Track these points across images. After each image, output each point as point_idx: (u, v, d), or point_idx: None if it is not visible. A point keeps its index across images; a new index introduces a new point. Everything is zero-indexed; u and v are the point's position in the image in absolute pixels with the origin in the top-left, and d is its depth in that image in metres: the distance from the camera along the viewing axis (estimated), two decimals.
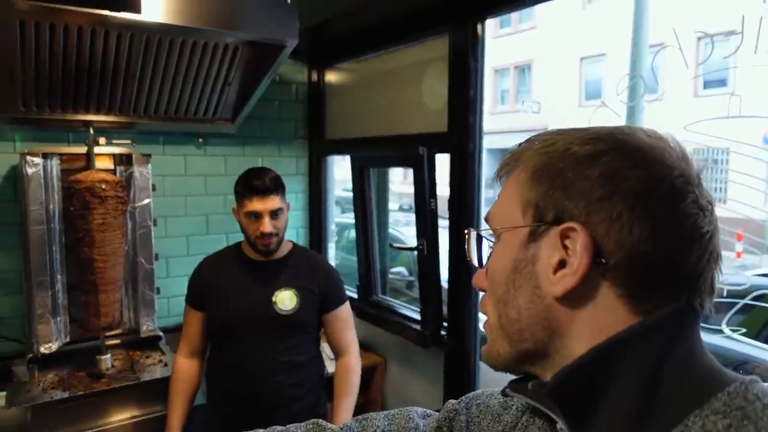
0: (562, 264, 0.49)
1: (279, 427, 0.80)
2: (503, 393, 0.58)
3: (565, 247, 0.49)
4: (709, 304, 0.50)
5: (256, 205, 1.67)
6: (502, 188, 0.58)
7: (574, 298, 0.49)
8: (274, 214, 1.69)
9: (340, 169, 3.78)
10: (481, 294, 0.59)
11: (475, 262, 0.59)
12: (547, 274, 0.50)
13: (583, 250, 0.47)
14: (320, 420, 0.81)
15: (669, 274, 0.48)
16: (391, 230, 4.46)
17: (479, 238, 0.58)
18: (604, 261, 0.48)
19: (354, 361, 1.85)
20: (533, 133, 0.58)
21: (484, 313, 0.58)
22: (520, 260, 0.52)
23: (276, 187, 1.71)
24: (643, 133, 0.52)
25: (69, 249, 2.08)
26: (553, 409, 0.51)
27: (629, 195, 0.47)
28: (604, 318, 0.48)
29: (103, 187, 1.94)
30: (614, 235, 0.47)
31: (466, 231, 0.61)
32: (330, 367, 2.04)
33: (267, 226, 1.67)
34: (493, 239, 0.57)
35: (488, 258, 0.57)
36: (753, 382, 0.45)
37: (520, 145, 0.57)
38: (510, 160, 0.57)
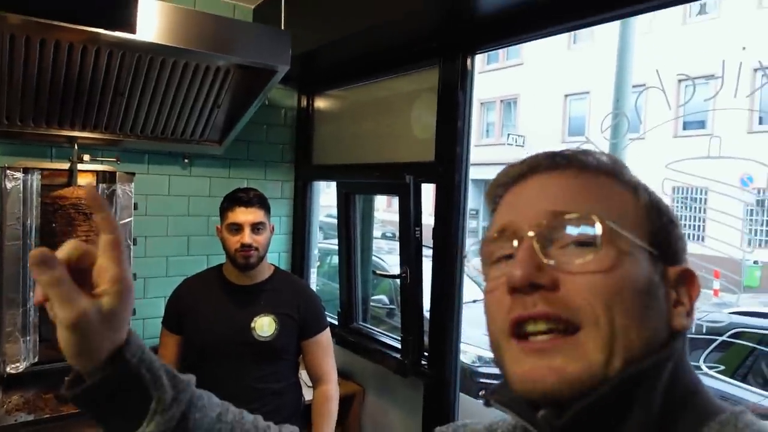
0: (676, 303, 0.51)
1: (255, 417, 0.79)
2: (485, 403, 0.56)
3: (677, 287, 0.51)
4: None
5: (238, 215, 1.68)
6: (582, 182, 0.52)
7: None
8: (256, 228, 1.69)
9: (324, 195, 3.78)
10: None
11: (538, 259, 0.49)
12: (669, 306, 0.51)
13: (696, 294, 0.52)
14: None
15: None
16: (374, 258, 4.45)
17: (607, 229, 0.48)
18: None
19: (332, 390, 1.82)
20: None
21: (574, 318, 0.47)
22: (653, 283, 0.49)
23: (259, 201, 1.73)
24: None
25: None
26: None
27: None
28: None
29: (97, 201, 1.91)
30: None
31: (531, 233, 0.50)
32: (308, 394, 2.00)
33: (247, 237, 1.67)
34: (594, 231, 0.48)
35: (590, 256, 0.48)
36: (742, 413, 0.47)
37: (579, 149, 0.56)
38: (582, 160, 0.54)
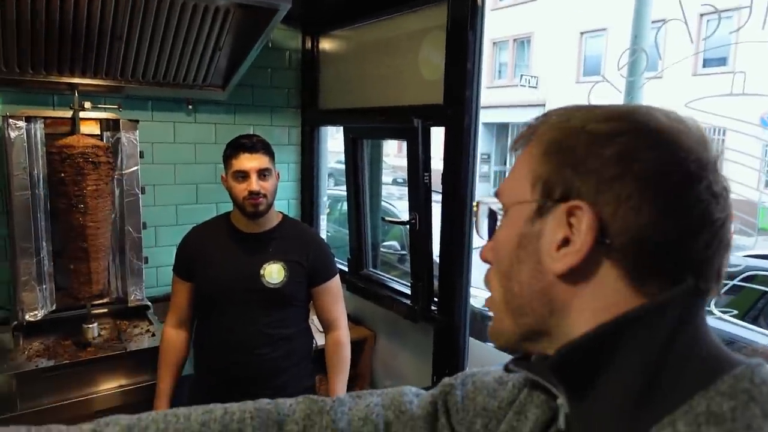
0: (565, 242, 0.49)
1: (267, 399, 0.79)
2: (505, 368, 0.59)
3: (570, 225, 0.49)
4: (715, 290, 0.49)
5: (244, 162, 1.65)
6: (515, 162, 0.57)
7: (576, 277, 0.49)
8: (262, 174, 1.67)
9: (334, 141, 3.72)
10: (484, 268, 0.59)
11: (484, 236, 0.59)
12: (550, 250, 0.50)
13: (587, 229, 0.47)
14: (310, 395, 0.80)
15: (674, 258, 0.47)
16: (384, 204, 4.43)
17: (491, 213, 0.59)
18: (608, 242, 0.47)
19: (343, 336, 1.84)
20: (530, 108, 0.55)
21: (489, 288, 0.57)
22: (525, 235, 0.52)
23: (264, 147, 1.70)
24: (663, 114, 0.50)
25: (54, 216, 2.03)
26: (553, 382, 0.52)
27: (641, 177, 0.47)
28: (606, 298, 0.48)
29: (97, 153, 1.93)
30: (621, 217, 0.47)
31: (476, 204, 0.61)
32: (319, 339, 2.03)
33: (254, 184, 1.64)
34: (501, 213, 0.57)
35: (496, 232, 0.57)
36: (759, 365, 0.45)
37: (537, 118, 0.56)
38: (525, 134, 0.56)
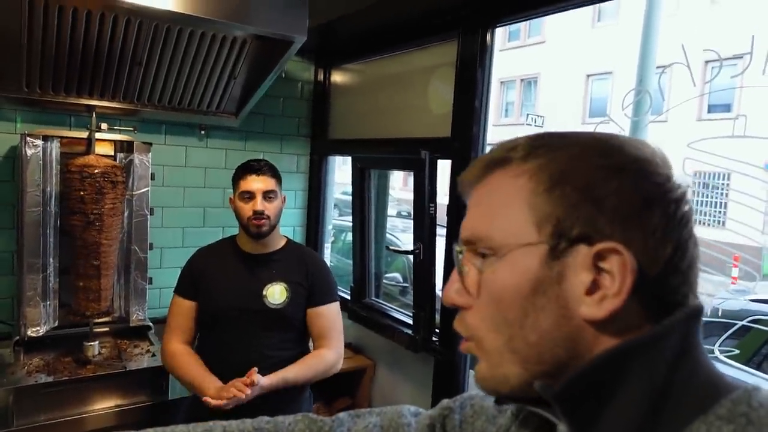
0: (594, 285, 0.46)
1: (266, 418, 0.79)
2: (497, 402, 0.57)
3: (597, 267, 0.46)
4: (702, 307, 0.50)
5: (250, 183, 1.70)
6: (481, 195, 0.53)
7: (607, 320, 0.47)
8: (267, 195, 1.71)
9: (340, 172, 3.77)
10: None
11: (457, 281, 0.53)
12: (579, 295, 0.47)
13: (627, 272, 0.45)
14: (310, 413, 0.80)
15: (681, 284, 0.48)
16: (388, 235, 4.45)
17: (480, 254, 0.51)
18: (646, 282, 0.46)
19: (330, 353, 1.76)
20: None
21: (467, 334, 0.53)
22: (542, 280, 0.48)
23: (270, 170, 1.75)
24: (635, 142, 0.51)
25: (67, 233, 2.06)
26: (554, 412, 0.51)
27: (662, 211, 0.47)
28: (627, 333, 0.47)
29: (116, 172, 2.00)
30: (649, 254, 0.46)
31: (456, 249, 0.54)
32: None
33: (259, 204, 1.68)
34: (486, 253, 0.51)
35: (479, 274, 0.51)
36: (756, 389, 0.45)
37: (498, 147, 0.53)
38: (491, 164, 0.52)
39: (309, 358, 1.76)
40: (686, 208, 0.48)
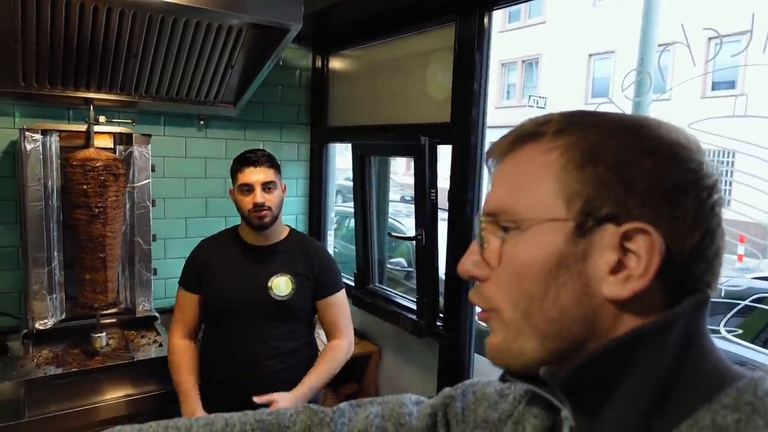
0: (619, 264, 0.46)
1: (268, 409, 0.80)
2: (502, 378, 0.57)
3: (624, 248, 0.46)
4: (709, 297, 0.50)
5: (248, 176, 1.69)
6: (511, 169, 0.52)
7: (629, 300, 0.47)
8: (267, 186, 1.70)
9: (343, 158, 3.76)
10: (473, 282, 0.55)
11: (476, 253, 0.54)
12: (602, 274, 0.47)
13: (654, 253, 0.45)
14: (311, 405, 0.80)
15: (706, 272, 0.48)
16: (391, 221, 4.45)
17: (503, 227, 0.51)
18: (673, 265, 0.46)
19: (344, 344, 1.82)
20: None
21: (484, 305, 0.53)
22: (566, 256, 0.47)
23: (268, 160, 1.73)
24: (668, 128, 0.50)
25: (72, 227, 2.08)
26: (558, 396, 0.51)
27: (694, 197, 0.46)
28: (646, 316, 0.47)
29: (117, 165, 2.01)
30: (678, 238, 0.46)
31: (481, 216, 0.54)
32: None
33: (259, 196, 1.68)
34: (510, 226, 0.51)
35: (501, 246, 0.51)
36: (762, 379, 0.45)
37: (529, 121, 0.53)
38: (520, 138, 0.52)
39: (326, 357, 1.78)
40: (717, 197, 0.48)
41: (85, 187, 1.95)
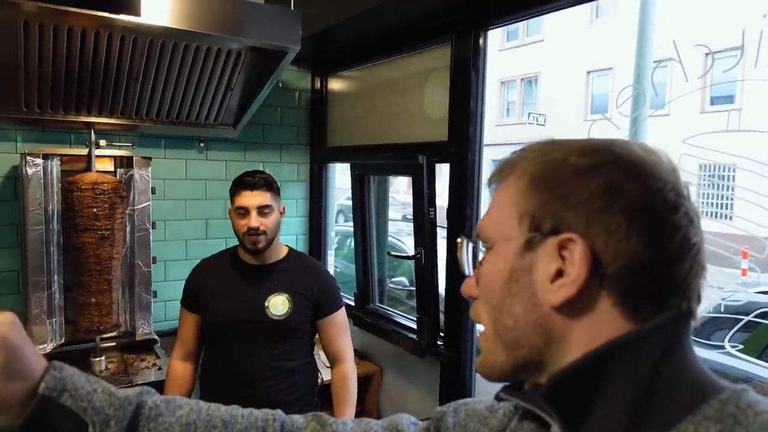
0: (559, 274, 0.50)
1: (279, 411, 0.82)
2: (496, 397, 0.59)
3: (563, 257, 0.50)
4: (696, 312, 0.51)
5: (244, 199, 1.69)
6: (494, 197, 0.58)
7: (571, 307, 0.50)
8: (262, 210, 1.70)
9: (344, 178, 3.76)
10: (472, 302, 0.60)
11: (467, 271, 0.60)
12: (544, 283, 0.50)
13: (582, 261, 0.48)
14: (321, 413, 0.82)
15: (662, 284, 0.49)
16: (393, 240, 4.44)
17: (474, 248, 0.59)
18: (602, 272, 0.48)
19: (350, 369, 1.83)
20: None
21: (478, 321, 0.58)
22: (515, 269, 0.52)
23: (265, 184, 1.73)
24: (637, 146, 0.53)
25: (67, 250, 2.08)
26: (547, 411, 0.52)
27: (627, 208, 0.48)
28: (600, 326, 0.49)
29: (123, 188, 2.06)
30: (612, 247, 0.48)
31: (459, 239, 0.61)
32: (325, 374, 2.02)
33: (253, 220, 1.68)
34: (486, 247, 0.57)
35: (480, 266, 0.57)
36: (744, 391, 0.46)
37: (514, 153, 0.58)
38: (504, 168, 0.57)
39: (344, 391, 1.80)
40: (669, 207, 0.49)
41: (95, 210, 1.97)
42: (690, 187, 0.52)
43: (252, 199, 1.69)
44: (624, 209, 0.48)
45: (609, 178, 0.49)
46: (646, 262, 0.48)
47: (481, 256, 0.58)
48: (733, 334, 3.12)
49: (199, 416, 0.74)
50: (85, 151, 2.11)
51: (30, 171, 1.99)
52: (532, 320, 0.51)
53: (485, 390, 2.01)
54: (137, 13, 1.66)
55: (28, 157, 1.99)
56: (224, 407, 0.78)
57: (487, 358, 0.56)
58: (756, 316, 3.10)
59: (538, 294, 0.51)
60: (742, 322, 3.10)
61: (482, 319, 0.57)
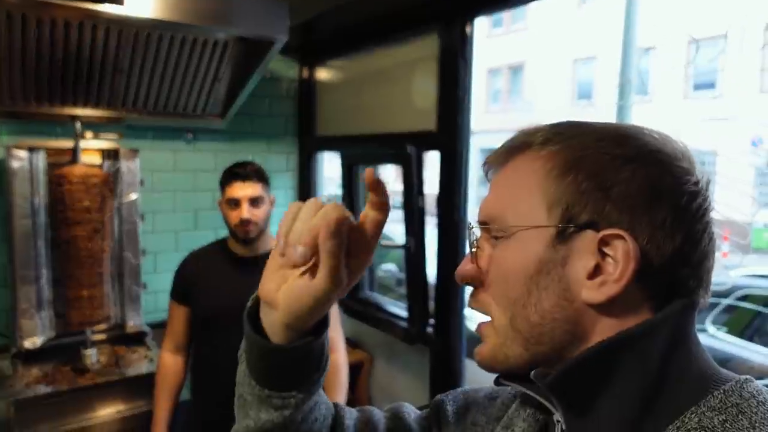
0: (596, 269, 0.47)
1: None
2: (496, 382, 0.58)
3: (603, 253, 0.47)
4: (705, 301, 0.51)
5: (235, 191, 1.69)
6: (500, 177, 0.55)
7: (608, 305, 0.48)
8: (254, 201, 1.71)
9: (334, 167, 3.76)
10: (468, 289, 0.57)
11: (471, 260, 0.55)
12: (581, 279, 0.48)
13: (630, 259, 0.46)
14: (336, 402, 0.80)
15: (690, 278, 0.48)
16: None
17: (494, 235, 0.53)
18: (648, 270, 0.47)
19: (341, 358, 1.85)
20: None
21: (482, 311, 0.55)
22: (547, 261, 0.49)
23: (256, 175, 1.73)
24: (654, 136, 0.51)
25: (55, 244, 2.06)
26: (550, 399, 0.52)
27: (673, 204, 0.47)
28: (628, 321, 0.48)
29: (112, 180, 2.07)
30: (656, 243, 0.47)
31: (470, 226, 0.56)
32: None
33: (245, 212, 1.68)
34: (498, 234, 0.53)
35: (490, 252, 0.53)
36: (748, 381, 0.47)
37: (518, 135, 0.54)
38: (512, 148, 0.54)
39: (335, 379, 1.80)
40: (702, 202, 0.48)
41: (87, 203, 1.96)
42: (708, 178, 0.51)
43: (243, 190, 1.69)
44: (670, 205, 0.47)
45: (650, 171, 0.47)
46: (686, 258, 0.47)
47: (488, 241, 0.54)
48: (715, 316, 3.20)
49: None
50: (71, 144, 2.09)
51: (15, 164, 1.97)
52: (561, 317, 0.49)
53: (476, 376, 2.04)
54: (120, 2, 1.64)
55: (13, 150, 1.96)
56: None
57: (496, 350, 0.53)
58: (736, 299, 3.18)
59: (573, 289, 0.48)
60: (723, 305, 3.17)
61: (491, 309, 0.53)
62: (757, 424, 0.43)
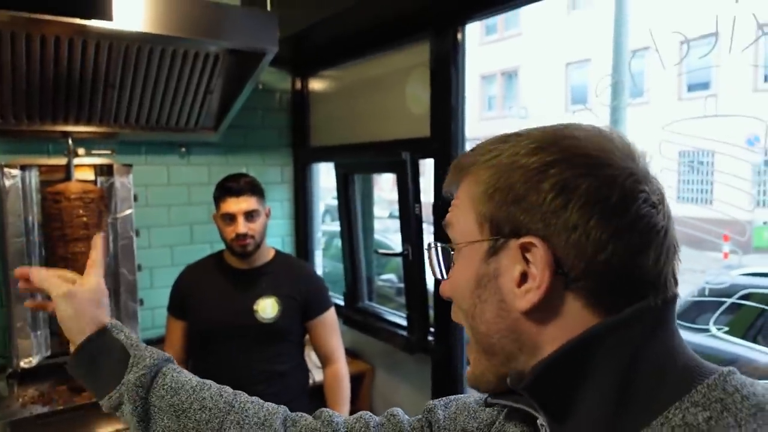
0: (524, 276, 0.49)
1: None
2: (486, 403, 0.59)
3: (527, 260, 0.49)
4: (675, 296, 0.50)
5: (230, 206, 1.68)
6: (456, 198, 0.58)
7: (541, 312, 0.49)
8: (249, 215, 1.69)
9: (330, 177, 3.76)
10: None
11: (439, 275, 0.60)
12: (511, 288, 0.50)
13: (544, 265, 0.48)
14: (325, 409, 0.85)
15: (630, 277, 0.48)
16: (380, 237, 4.44)
17: (444, 251, 0.58)
18: (566, 273, 0.48)
19: (342, 369, 1.84)
20: None
21: (458, 322, 0.58)
22: (482, 275, 0.52)
23: (251, 188, 1.72)
24: (588, 134, 0.51)
25: (51, 262, 2.04)
26: (532, 405, 0.52)
27: (583, 205, 0.47)
28: (573, 329, 0.48)
29: (106, 196, 2.07)
30: (573, 246, 0.47)
31: (428, 245, 0.61)
32: (317, 375, 2.02)
33: (241, 226, 1.67)
34: (452, 251, 0.57)
35: (452, 270, 0.57)
36: (731, 373, 0.46)
37: (463, 156, 0.57)
38: (456, 172, 0.57)
39: (337, 390, 1.80)
40: (637, 206, 0.47)
41: (85, 219, 1.95)
42: (651, 167, 0.50)
43: (238, 205, 1.68)
44: (580, 207, 0.47)
45: (560, 177, 0.48)
46: (609, 258, 0.47)
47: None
48: (717, 316, 3.18)
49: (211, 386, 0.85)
50: (63, 161, 2.07)
51: (8, 183, 1.96)
52: (503, 327, 0.51)
53: None
54: (109, 18, 1.63)
55: (5, 169, 1.95)
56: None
57: (473, 370, 0.56)
58: (739, 298, 3.16)
59: (507, 299, 0.51)
60: (725, 305, 3.16)
61: (461, 322, 0.57)
62: (743, 422, 0.42)
